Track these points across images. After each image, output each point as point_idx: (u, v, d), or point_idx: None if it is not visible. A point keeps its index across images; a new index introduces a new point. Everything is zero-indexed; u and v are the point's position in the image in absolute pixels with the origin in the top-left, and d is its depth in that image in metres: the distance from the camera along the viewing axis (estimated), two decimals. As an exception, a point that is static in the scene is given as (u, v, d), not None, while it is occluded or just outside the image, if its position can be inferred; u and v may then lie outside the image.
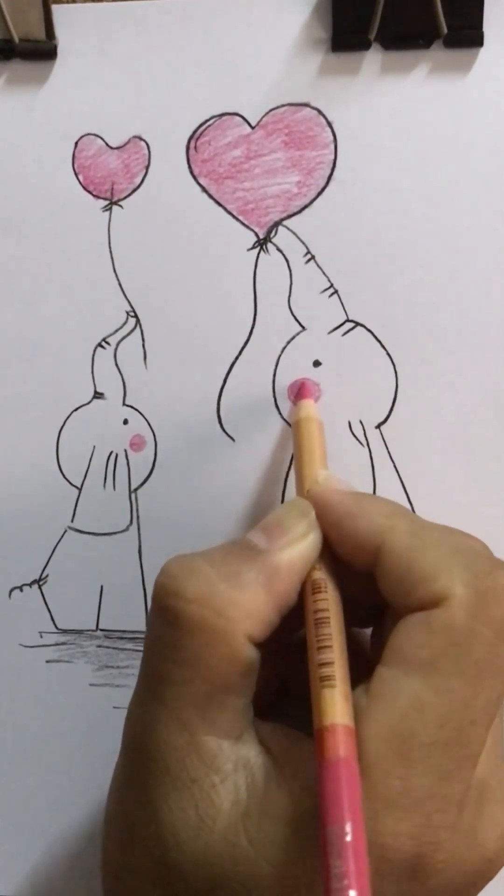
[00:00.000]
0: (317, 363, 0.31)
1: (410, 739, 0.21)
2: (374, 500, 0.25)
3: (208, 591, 0.22)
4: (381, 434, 0.32)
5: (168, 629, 0.22)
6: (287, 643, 0.24)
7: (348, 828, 0.18)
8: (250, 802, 0.22)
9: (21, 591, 0.34)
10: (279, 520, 0.24)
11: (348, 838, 0.18)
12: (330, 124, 0.30)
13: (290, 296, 0.31)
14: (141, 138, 0.31)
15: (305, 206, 0.31)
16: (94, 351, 0.32)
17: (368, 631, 0.28)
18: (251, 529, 0.25)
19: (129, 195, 0.31)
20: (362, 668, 0.23)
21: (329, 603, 0.23)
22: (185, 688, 0.22)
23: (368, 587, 0.24)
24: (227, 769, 0.22)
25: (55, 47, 0.30)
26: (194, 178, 0.31)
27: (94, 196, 0.31)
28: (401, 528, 0.24)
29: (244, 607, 0.22)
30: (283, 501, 0.32)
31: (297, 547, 0.24)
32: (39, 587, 0.34)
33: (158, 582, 0.23)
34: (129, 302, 0.32)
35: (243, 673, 0.22)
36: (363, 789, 0.20)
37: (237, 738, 0.22)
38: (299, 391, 0.31)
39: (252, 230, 0.31)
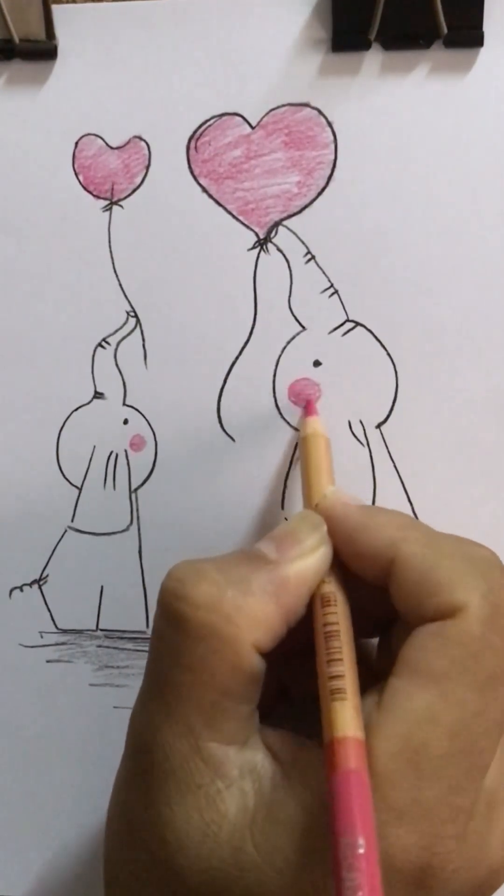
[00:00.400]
0: (317, 363, 0.31)
1: (422, 751, 0.21)
2: (386, 513, 0.25)
3: (217, 597, 0.22)
4: (381, 434, 0.32)
5: (174, 634, 0.22)
6: (289, 650, 0.24)
7: (361, 840, 0.18)
8: (257, 809, 0.21)
9: (21, 591, 0.34)
10: (291, 531, 0.24)
11: (361, 850, 0.18)
12: (330, 124, 0.30)
13: (290, 296, 0.31)
14: (141, 138, 0.31)
15: (305, 206, 0.31)
16: (95, 351, 0.32)
17: (374, 641, 0.28)
18: (261, 539, 0.25)
19: (130, 195, 0.31)
20: (368, 678, 0.23)
21: (339, 616, 0.23)
22: (190, 694, 0.22)
23: (376, 599, 0.24)
24: (233, 775, 0.22)
25: (55, 47, 0.30)
26: (194, 178, 0.31)
27: (94, 196, 0.31)
28: (414, 538, 0.23)
29: (252, 615, 0.22)
30: (283, 502, 0.32)
31: (308, 560, 0.24)
32: (39, 587, 0.34)
33: (165, 586, 0.23)
34: (129, 302, 0.32)
35: (249, 681, 0.22)
36: (374, 800, 0.20)
37: (243, 745, 0.22)
38: (306, 407, 0.31)
39: (252, 230, 0.31)
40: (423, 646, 0.22)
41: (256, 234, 0.31)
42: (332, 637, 0.23)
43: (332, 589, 0.24)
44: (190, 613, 0.22)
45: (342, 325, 0.31)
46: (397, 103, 0.30)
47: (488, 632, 0.22)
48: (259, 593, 0.22)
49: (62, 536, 0.33)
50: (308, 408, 0.31)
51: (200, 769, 0.22)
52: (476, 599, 0.22)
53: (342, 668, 0.22)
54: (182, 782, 0.22)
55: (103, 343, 0.32)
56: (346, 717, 0.21)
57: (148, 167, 0.31)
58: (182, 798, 0.22)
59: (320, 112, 0.30)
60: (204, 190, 0.31)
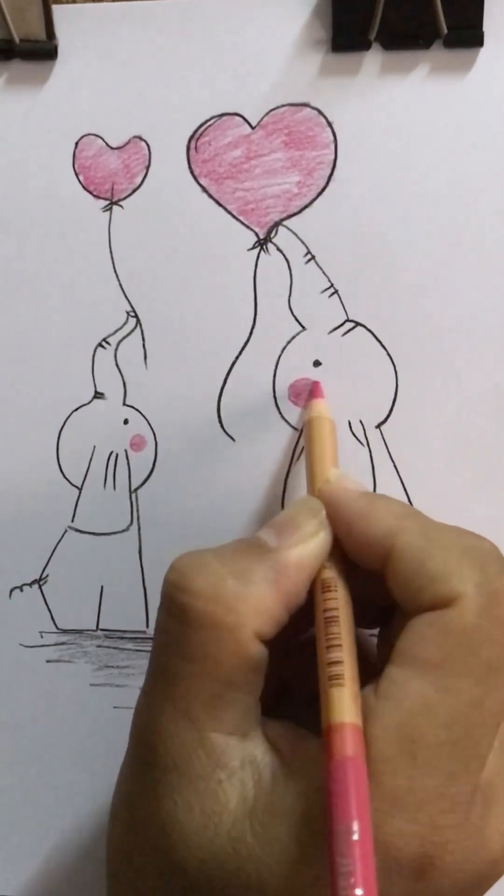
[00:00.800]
0: (317, 363, 0.31)
1: (419, 739, 0.21)
2: (386, 501, 0.25)
3: (218, 587, 0.22)
4: (381, 434, 0.32)
5: (176, 624, 0.22)
6: (290, 644, 0.24)
7: (355, 826, 0.18)
8: (257, 800, 0.22)
9: (21, 590, 0.34)
10: (290, 518, 0.24)
11: (355, 837, 0.18)
12: (330, 124, 0.30)
13: (290, 296, 0.31)
14: (141, 138, 0.31)
15: (305, 206, 0.31)
16: (95, 351, 0.32)
17: (374, 632, 0.28)
18: (261, 527, 0.25)
19: (130, 195, 0.31)
20: (368, 668, 0.23)
21: (339, 602, 0.23)
22: (193, 684, 0.22)
23: (377, 588, 0.24)
24: (234, 766, 0.22)
25: (55, 47, 0.30)
26: (194, 178, 0.31)
27: (94, 196, 0.31)
28: (412, 528, 0.23)
29: (253, 604, 0.22)
30: (283, 501, 0.32)
31: (308, 545, 0.24)
32: (40, 587, 0.34)
33: (168, 578, 0.23)
34: (129, 302, 0.32)
35: (251, 670, 0.22)
36: (370, 788, 0.20)
37: (244, 736, 0.22)
38: (312, 391, 0.31)
39: (252, 230, 0.31)
40: (420, 635, 0.22)
41: (256, 234, 0.31)
42: (331, 623, 0.23)
43: (332, 575, 0.24)
44: (192, 604, 0.22)
45: (342, 325, 0.31)
46: (397, 103, 0.30)
47: (484, 621, 0.22)
48: (260, 582, 0.23)
49: (62, 536, 0.33)
50: (314, 391, 0.31)
51: (202, 760, 0.22)
52: (471, 589, 0.22)
53: (341, 654, 0.22)
54: (183, 773, 0.22)
55: (103, 343, 0.32)
56: (344, 703, 0.21)
57: (148, 167, 0.31)
58: (183, 789, 0.22)
59: (320, 112, 0.30)
60: (204, 190, 0.31)
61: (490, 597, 0.22)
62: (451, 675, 0.21)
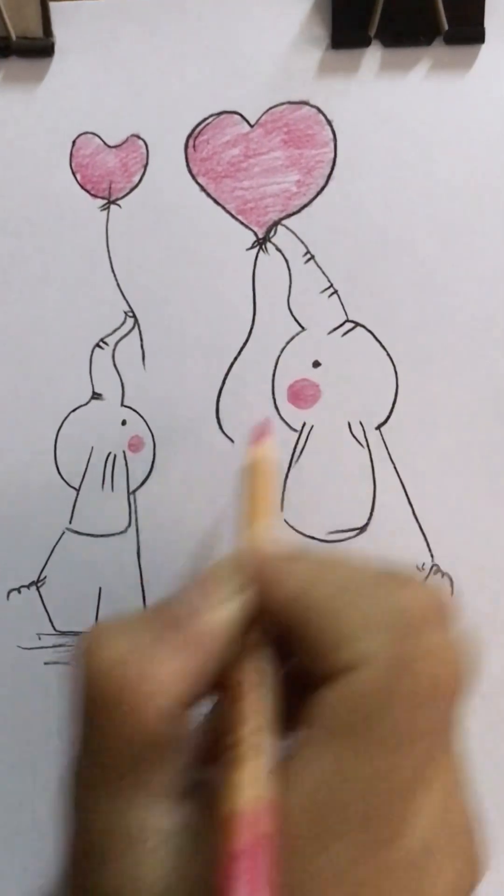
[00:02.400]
0: (316, 363, 0.31)
1: (332, 808, 0.20)
2: (299, 560, 0.23)
3: (121, 662, 0.21)
4: (381, 435, 0.32)
5: (84, 697, 0.22)
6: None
7: None
8: (172, 876, 0.21)
9: (19, 592, 0.34)
10: (205, 580, 0.23)
11: None
12: (329, 122, 0.30)
13: (289, 296, 0.31)
14: (139, 137, 0.31)
15: (305, 206, 0.30)
16: (92, 351, 0.32)
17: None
18: (177, 587, 0.24)
19: (128, 194, 0.31)
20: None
21: (251, 672, 0.22)
22: (104, 757, 0.22)
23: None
24: (157, 838, 0.21)
25: (53, 45, 0.30)
26: (193, 176, 0.31)
27: (91, 195, 0.31)
28: (321, 588, 0.22)
29: (159, 681, 0.21)
30: (282, 502, 0.32)
31: (224, 609, 0.23)
32: (38, 589, 0.34)
33: (81, 646, 0.22)
34: (127, 302, 0.32)
35: (160, 746, 0.21)
36: (284, 863, 0.19)
37: (165, 805, 0.22)
38: (257, 431, 0.29)
39: (251, 230, 0.31)
40: (327, 701, 0.21)
41: (255, 234, 0.31)
42: (241, 695, 0.22)
43: (250, 641, 0.23)
44: (96, 680, 0.22)
45: (342, 325, 0.31)
46: (398, 101, 0.30)
47: (393, 685, 0.21)
48: (169, 656, 0.22)
49: (60, 538, 0.33)
50: (259, 431, 0.29)
51: (121, 832, 0.21)
52: (380, 651, 0.21)
53: (244, 730, 0.21)
54: (108, 848, 0.21)
55: (101, 343, 0.32)
56: (243, 785, 0.20)
57: (146, 166, 0.31)
58: (108, 862, 0.21)
59: (319, 110, 0.30)
60: (202, 189, 0.31)
61: (399, 660, 0.21)
62: (361, 742, 0.20)
